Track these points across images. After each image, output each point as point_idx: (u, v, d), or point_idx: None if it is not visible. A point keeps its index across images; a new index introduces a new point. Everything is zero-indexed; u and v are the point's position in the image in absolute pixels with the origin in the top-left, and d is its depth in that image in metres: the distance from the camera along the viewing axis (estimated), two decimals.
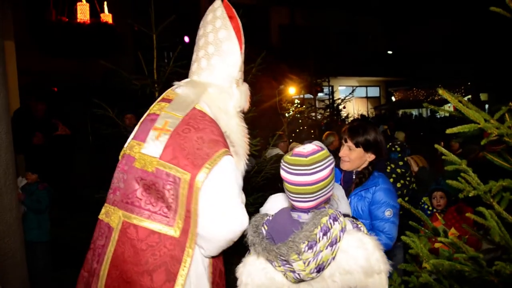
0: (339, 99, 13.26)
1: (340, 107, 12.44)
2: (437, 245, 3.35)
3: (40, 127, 5.39)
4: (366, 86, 24.22)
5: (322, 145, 2.36)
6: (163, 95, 2.14)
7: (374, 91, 24.86)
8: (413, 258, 1.86)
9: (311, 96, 12.80)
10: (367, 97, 24.40)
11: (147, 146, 1.89)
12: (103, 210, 2.01)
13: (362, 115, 18.23)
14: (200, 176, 1.78)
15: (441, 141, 6.04)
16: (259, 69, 4.45)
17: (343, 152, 2.70)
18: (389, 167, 3.86)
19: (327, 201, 1.77)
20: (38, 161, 5.30)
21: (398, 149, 4.34)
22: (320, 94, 17.68)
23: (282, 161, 1.70)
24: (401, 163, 4.04)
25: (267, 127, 8.13)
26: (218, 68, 2.03)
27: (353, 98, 14.19)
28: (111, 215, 1.93)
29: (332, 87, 17.95)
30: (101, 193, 3.08)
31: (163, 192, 1.82)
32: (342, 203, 2.32)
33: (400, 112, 21.81)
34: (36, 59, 8.75)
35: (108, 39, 9.01)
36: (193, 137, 1.86)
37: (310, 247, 1.55)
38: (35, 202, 4.59)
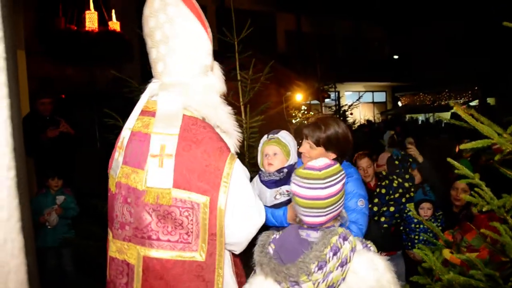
0: (345, 105, 13.23)
1: (347, 113, 12.40)
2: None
3: (48, 124, 5.38)
4: (373, 92, 24.20)
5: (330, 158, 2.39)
6: (141, 106, 1.90)
7: (381, 96, 24.83)
8: (425, 271, 1.85)
9: (318, 102, 12.82)
10: (373, 102, 24.36)
11: (152, 177, 1.73)
12: (113, 247, 1.89)
13: (368, 121, 18.21)
14: (222, 200, 1.71)
15: (456, 145, 5.91)
16: (267, 77, 4.47)
17: (303, 147, 2.54)
18: (395, 182, 3.77)
19: (337, 217, 1.76)
20: (47, 162, 5.33)
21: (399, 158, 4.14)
22: (327, 100, 17.70)
23: (293, 175, 1.70)
24: (407, 176, 3.96)
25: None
26: (188, 62, 1.82)
27: (359, 104, 14.17)
28: (126, 252, 1.83)
29: (339, 92, 17.94)
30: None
31: (181, 220, 1.73)
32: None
33: (407, 117, 21.74)
34: (45, 65, 8.83)
35: (116, 47, 9.09)
36: (197, 153, 1.73)
37: (320, 268, 1.53)
38: (70, 210, 4.72)
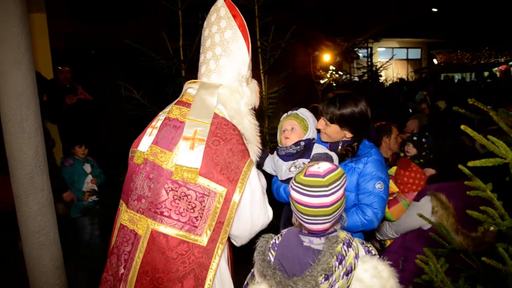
0: (378, 62, 12.66)
1: (380, 70, 11.80)
2: None
3: (67, 92, 5.47)
4: (407, 48, 23.16)
5: (333, 159, 2.32)
6: (181, 97, 2.15)
7: (415, 53, 23.73)
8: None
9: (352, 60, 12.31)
10: (407, 60, 23.37)
11: (183, 157, 1.89)
12: (125, 216, 2.02)
13: (401, 79, 17.51)
14: (236, 194, 1.87)
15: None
16: (291, 40, 4.31)
17: (320, 123, 2.54)
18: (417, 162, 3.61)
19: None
20: (69, 129, 5.45)
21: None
22: (359, 55, 17.02)
23: (293, 181, 1.62)
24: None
25: (300, 98, 7.98)
26: (227, 68, 2.04)
27: (392, 60, 13.53)
28: (137, 223, 1.95)
29: (371, 49, 17.21)
30: None
31: (195, 204, 1.87)
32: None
33: (442, 76, 20.77)
34: (68, 23, 8.82)
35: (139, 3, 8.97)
36: (223, 150, 1.91)
37: (327, 279, 1.50)
38: (98, 178, 4.90)
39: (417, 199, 2.77)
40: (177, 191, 1.87)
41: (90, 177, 4.87)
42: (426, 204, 2.65)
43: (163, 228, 1.87)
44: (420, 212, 2.64)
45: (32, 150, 3.16)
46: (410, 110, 9.23)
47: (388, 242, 3.00)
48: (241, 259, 2.35)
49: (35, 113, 3.19)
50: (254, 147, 2.16)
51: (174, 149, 1.93)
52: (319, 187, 1.54)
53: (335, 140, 2.55)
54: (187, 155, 1.88)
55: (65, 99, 5.34)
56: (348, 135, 2.49)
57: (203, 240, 1.87)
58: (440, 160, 2.97)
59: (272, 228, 2.14)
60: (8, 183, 3.22)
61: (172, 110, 2.08)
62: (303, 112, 2.61)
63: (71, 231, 4.64)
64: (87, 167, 4.88)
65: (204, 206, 1.87)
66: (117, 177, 3.93)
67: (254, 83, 2.19)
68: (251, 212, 1.95)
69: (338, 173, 1.58)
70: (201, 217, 1.87)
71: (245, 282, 1.85)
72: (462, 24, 19.18)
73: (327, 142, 2.63)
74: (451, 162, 2.76)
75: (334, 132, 2.49)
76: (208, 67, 2.07)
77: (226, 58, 2.02)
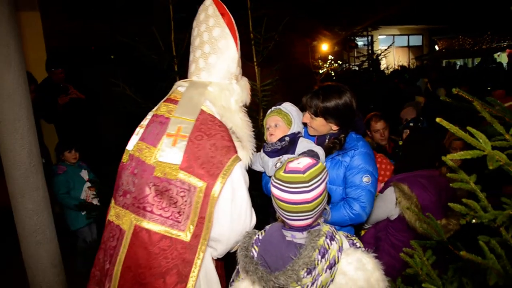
0: (379, 50, 12.52)
1: (380, 58, 11.64)
2: None
3: (59, 93, 5.43)
4: (408, 35, 22.97)
5: (319, 155, 2.28)
6: (169, 95, 2.15)
7: (417, 40, 23.52)
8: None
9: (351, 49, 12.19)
10: (408, 46, 23.19)
11: (165, 153, 1.90)
12: (112, 211, 2.04)
13: (402, 66, 17.37)
14: (217, 188, 1.84)
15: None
16: (289, 28, 4.26)
17: (305, 117, 2.52)
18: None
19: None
20: (65, 129, 5.41)
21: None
22: (360, 43, 16.85)
23: (273, 178, 1.60)
24: None
25: (299, 89, 7.92)
26: (216, 66, 2.04)
27: (393, 48, 13.35)
28: (122, 218, 1.96)
29: (372, 37, 17.05)
30: None
31: (177, 199, 1.86)
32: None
33: (444, 62, 20.58)
34: (64, 21, 8.77)
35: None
36: (206, 144, 1.89)
37: (309, 272, 1.49)
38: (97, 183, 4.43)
39: (382, 190, 2.76)
40: (159, 186, 1.87)
41: (88, 184, 4.53)
42: (390, 195, 2.65)
43: (145, 223, 1.87)
44: (385, 203, 2.66)
45: (26, 150, 3.17)
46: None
47: (363, 232, 3.00)
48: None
49: (28, 112, 3.18)
50: (248, 144, 2.14)
51: (158, 144, 1.94)
52: (299, 183, 1.53)
53: (322, 133, 2.53)
54: (168, 152, 1.89)
55: (58, 99, 5.32)
56: (334, 127, 2.47)
57: (186, 235, 1.86)
58: (407, 150, 2.97)
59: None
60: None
61: (160, 107, 2.09)
62: (286, 106, 2.58)
63: (68, 229, 4.59)
64: (84, 174, 4.57)
65: (186, 201, 1.86)
66: (111, 174, 3.92)
67: (244, 81, 2.19)
68: (231, 211, 1.89)
69: (318, 168, 1.57)
70: (183, 212, 1.86)
71: (231, 279, 1.85)
72: (463, 9, 18.93)
73: (314, 136, 2.61)
74: (416, 152, 2.79)
75: (320, 125, 2.47)
76: (197, 65, 2.08)
77: (215, 56, 2.03)
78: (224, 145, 1.92)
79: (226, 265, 2.24)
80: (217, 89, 2.04)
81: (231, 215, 1.89)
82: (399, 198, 2.58)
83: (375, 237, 2.82)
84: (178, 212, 1.87)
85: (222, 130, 1.97)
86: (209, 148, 1.89)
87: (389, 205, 2.65)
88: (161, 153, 1.90)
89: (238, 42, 2.07)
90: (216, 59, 2.04)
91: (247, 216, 1.93)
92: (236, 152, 1.96)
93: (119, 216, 1.99)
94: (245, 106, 2.19)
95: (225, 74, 2.07)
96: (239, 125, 2.11)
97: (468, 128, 1.22)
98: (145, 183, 1.90)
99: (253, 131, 2.23)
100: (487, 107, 1.49)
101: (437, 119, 1.19)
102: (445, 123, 1.17)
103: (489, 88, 7.24)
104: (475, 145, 1.16)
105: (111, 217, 2.05)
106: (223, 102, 2.05)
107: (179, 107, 2.00)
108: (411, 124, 4.01)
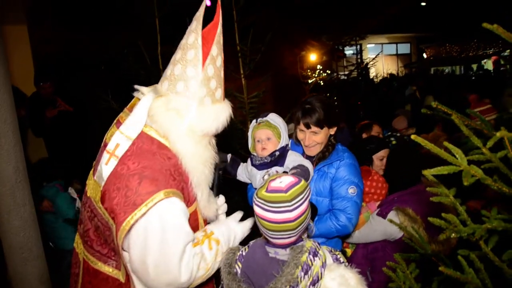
0: (368, 58, 12.61)
1: (369, 67, 11.71)
2: None
3: (47, 105, 5.39)
4: (396, 43, 23.20)
5: (309, 170, 2.29)
6: (133, 100, 1.91)
7: (405, 48, 23.80)
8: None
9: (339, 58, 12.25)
10: (397, 55, 23.42)
11: (98, 171, 1.71)
12: (76, 238, 1.98)
13: (391, 74, 17.55)
14: (120, 233, 1.54)
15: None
16: (278, 38, 4.30)
17: (309, 140, 2.51)
18: None
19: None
20: (54, 142, 5.35)
21: (394, 142, 4.04)
22: (349, 52, 16.97)
23: (255, 196, 1.60)
24: None
25: (288, 99, 7.96)
26: (178, 78, 1.71)
27: (382, 56, 13.47)
28: (79, 246, 1.92)
29: (360, 45, 17.22)
30: None
31: (105, 236, 1.72)
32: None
33: (432, 70, 20.82)
34: (52, 32, 8.74)
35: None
36: (129, 175, 1.59)
37: None
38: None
39: (380, 213, 2.74)
40: (94, 220, 1.73)
41: (78, 201, 4.30)
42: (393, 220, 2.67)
43: (89, 257, 1.82)
44: (388, 230, 2.63)
45: (12, 166, 3.14)
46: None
47: (349, 251, 2.97)
48: None
49: (14, 128, 3.16)
50: (201, 182, 1.78)
51: (101, 159, 1.74)
52: (281, 203, 1.52)
53: (324, 144, 2.55)
54: (99, 170, 1.69)
55: (46, 112, 5.28)
56: (332, 131, 2.53)
57: (123, 275, 1.75)
58: (389, 172, 3.01)
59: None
60: None
61: (122, 113, 1.89)
62: (274, 118, 2.56)
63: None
64: (72, 192, 4.38)
65: (113, 241, 1.64)
66: None
67: (217, 107, 1.78)
68: (149, 259, 1.55)
69: (301, 186, 1.57)
70: (116, 250, 1.68)
71: None
72: (450, 17, 19.23)
73: (300, 145, 2.63)
74: (399, 172, 2.83)
75: (326, 135, 2.51)
76: (166, 71, 1.80)
77: (180, 66, 1.71)
78: (153, 178, 1.57)
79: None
80: (163, 105, 1.69)
81: (148, 262, 1.56)
82: (404, 223, 2.56)
83: (367, 258, 2.79)
84: (113, 250, 1.73)
85: (155, 158, 1.64)
86: (131, 181, 1.56)
87: (388, 229, 2.63)
88: (98, 168, 1.71)
89: (209, 62, 1.72)
90: (180, 70, 1.71)
91: (170, 267, 1.56)
92: (166, 186, 1.59)
93: (78, 244, 1.94)
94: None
95: (186, 91, 1.70)
96: (187, 156, 1.71)
97: (445, 143, 1.25)
98: (86, 214, 1.80)
99: (240, 142, 2.13)
100: (466, 119, 1.52)
101: (412, 137, 1.21)
102: (419, 140, 1.19)
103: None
104: (451, 161, 1.18)
105: (75, 243, 1.99)
106: (166, 123, 1.69)
107: (128, 119, 1.75)
108: (392, 139, 4.06)
